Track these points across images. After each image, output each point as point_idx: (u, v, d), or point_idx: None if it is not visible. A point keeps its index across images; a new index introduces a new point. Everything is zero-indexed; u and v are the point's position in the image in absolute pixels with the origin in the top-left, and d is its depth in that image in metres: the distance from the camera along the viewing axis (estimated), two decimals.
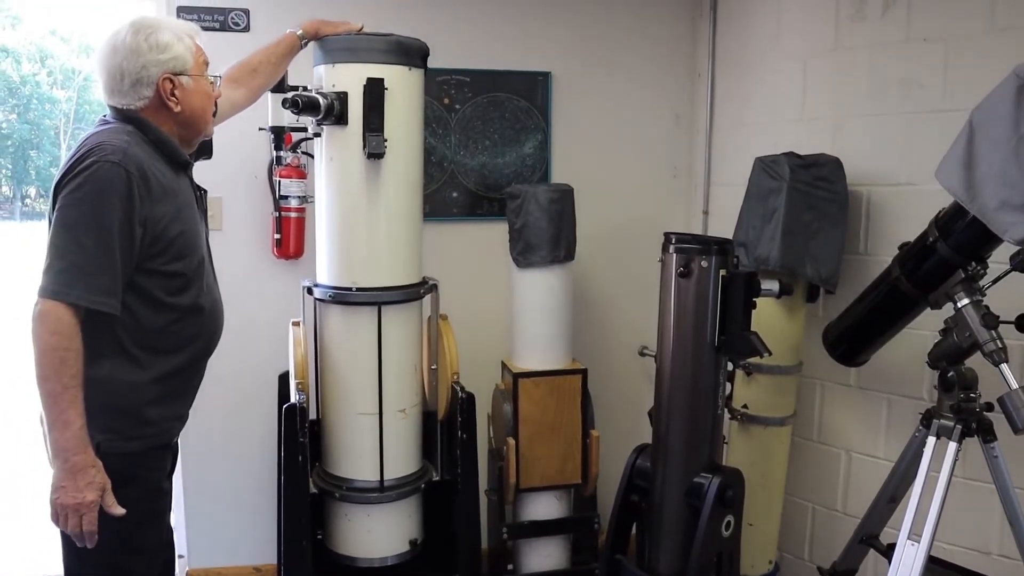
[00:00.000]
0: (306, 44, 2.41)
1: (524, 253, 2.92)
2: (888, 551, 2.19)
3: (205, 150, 2.07)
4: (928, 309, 2.23)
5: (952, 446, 2.05)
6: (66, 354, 1.68)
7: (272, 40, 2.38)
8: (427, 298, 2.61)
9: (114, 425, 1.82)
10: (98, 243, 1.71)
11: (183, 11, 2.95)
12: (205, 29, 2.94)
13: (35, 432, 1.89)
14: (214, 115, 2.02)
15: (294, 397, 2.46)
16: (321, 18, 2.43)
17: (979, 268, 2.07)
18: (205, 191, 2.05)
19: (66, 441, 1.69)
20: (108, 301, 1.73)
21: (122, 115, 1.87)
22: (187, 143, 1.97)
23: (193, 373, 2.02)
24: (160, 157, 1.86)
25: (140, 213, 1.76)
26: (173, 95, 1.87)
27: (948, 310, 2.13)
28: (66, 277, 1.69)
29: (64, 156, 1.82)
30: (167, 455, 2.00)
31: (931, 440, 2.10)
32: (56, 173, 1.79)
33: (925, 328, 2.33)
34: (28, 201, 26.21)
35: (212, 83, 1.99)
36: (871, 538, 2.41)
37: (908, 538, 2.00)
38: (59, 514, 1.72)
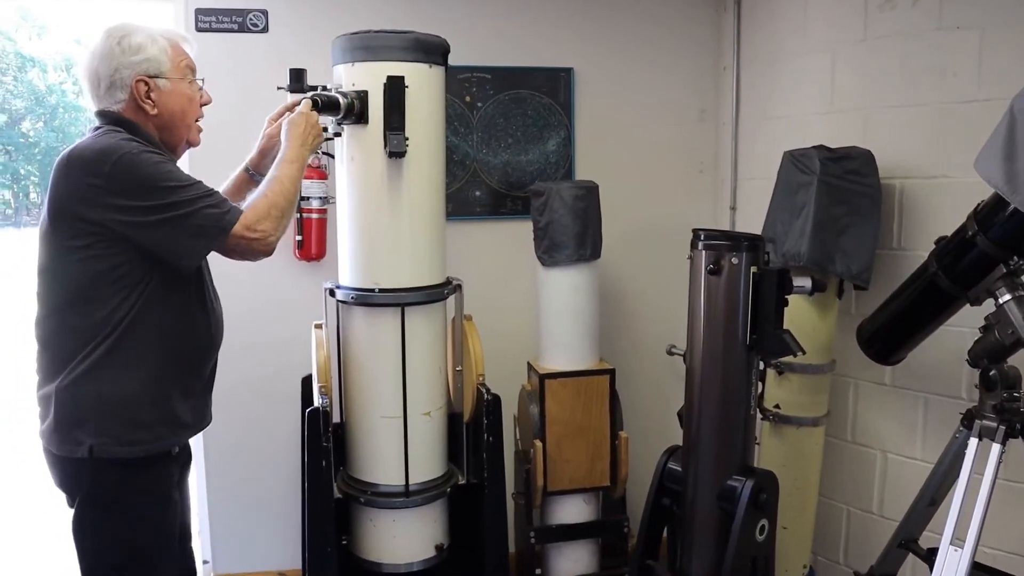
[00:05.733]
0: (256, 176, 2.29)
1: (549, 251, 2.87)
2: (929, 556, 2.13)
3: None
4: (967, 305, 2.16)
5: (996, 448, 1.98)
6: (277, 197, 1.94)
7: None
8: (451, 298, 2.58)
9: (106, 427, 1.79)
10: (188, 185, 1.79)
11: (200, 13, 2.93)
12: (223, 31, 2.94)
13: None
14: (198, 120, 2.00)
15: (317, 401, 2.43)
16: (281, 112, 2.33)
17: (1021, 262, 1.99)
18: None
19: (299, 152, 2.07)
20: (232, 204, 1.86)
21: (110, 118, 1.85)
22: (170, 148, 1.94)
23: (194, 378, 1.97)
24: None
25: None
26: (148, 97, 1.86)
27: (988, 307, 2.06)
28: (212, 209, 1.80)
29: None
30: (171, 464, 1.94)
31: (973, 441, 2.03)
32: (59, 181, 1.77)
33: (963, 325, 2.26)
34: None
35: (197, 88, 1.97)
36: (910, 542, 2.34)
37: (951, 543, 1.93)
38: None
